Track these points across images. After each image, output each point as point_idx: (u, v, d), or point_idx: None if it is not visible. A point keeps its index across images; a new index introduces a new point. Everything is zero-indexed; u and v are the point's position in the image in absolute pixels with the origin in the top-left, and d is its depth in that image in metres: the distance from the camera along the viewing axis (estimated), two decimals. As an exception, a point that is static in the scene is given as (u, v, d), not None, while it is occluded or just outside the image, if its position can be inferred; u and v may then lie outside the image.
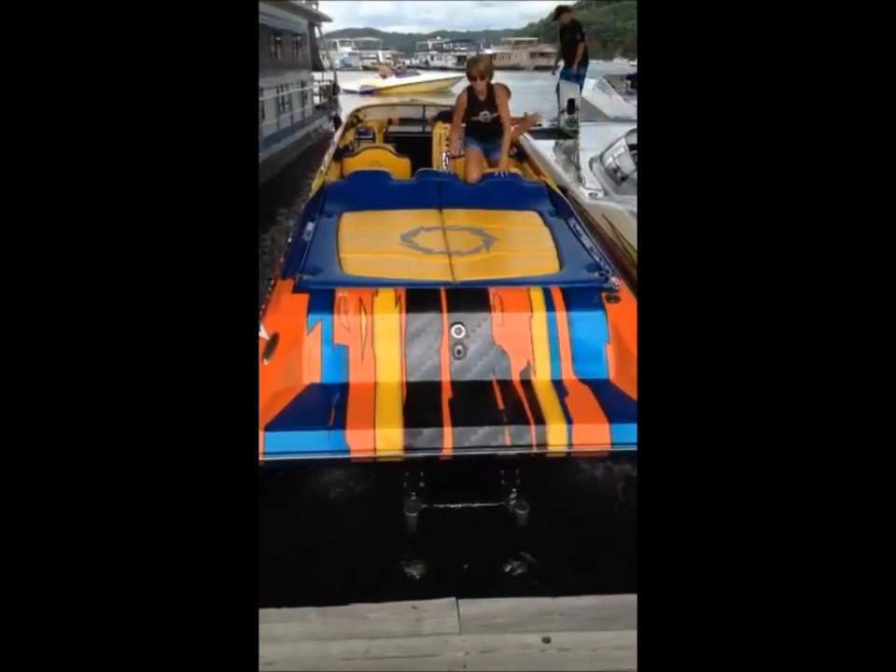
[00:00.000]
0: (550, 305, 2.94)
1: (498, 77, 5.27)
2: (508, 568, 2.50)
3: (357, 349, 2.81)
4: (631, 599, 1.82)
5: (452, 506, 2.57)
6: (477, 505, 2.59)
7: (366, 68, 65.53)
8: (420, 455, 2.42)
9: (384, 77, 33.31)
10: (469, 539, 2.59)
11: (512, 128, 6.48)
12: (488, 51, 57.86)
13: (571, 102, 10.22)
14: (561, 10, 9.54)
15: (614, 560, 2.48)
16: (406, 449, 2.40)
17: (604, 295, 3.03)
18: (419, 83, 31.23)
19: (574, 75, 10.20)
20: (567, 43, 10.08)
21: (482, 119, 4.82)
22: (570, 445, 2.46)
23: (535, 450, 2.44)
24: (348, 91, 29.45)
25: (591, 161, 7.71)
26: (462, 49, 69.16)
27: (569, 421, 2.49)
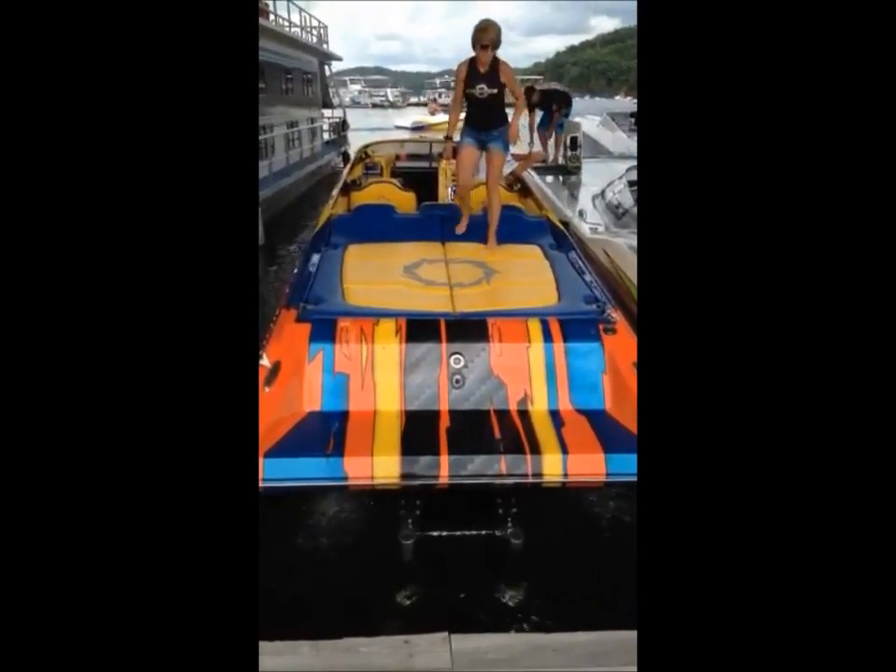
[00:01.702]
0: (547, 336, 2.99)
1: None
2: (502, 598, 2.50)
3: (357, 378, 2.86)
4: (626, 636, 1.83)
5: (447, 534, 2.58)
6: (473, 533, 2.60)
7: (374, 105, 66.73)
8: (417, 482, 2.45)
9: (432, 113, 34.35)
10: (464, 567, 2.60)
11: (517, 164, 6.60)
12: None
13: (574, 139, 10.42)
14: (530, 90, 9.91)
15: (610, 595, 2.48)
16: (403, 477, 2.43)
17: (601, 327, 3.07)
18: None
19: (558, 124, 10.59)
20: (545, 112, 10.52)
21: (477, 93, 4.13)
22: (566, 475, 2.48)
23: (530, 479, 2.46)
24: (399, 127, 31.54)
25: (593, 197, 7.83)
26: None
27: (565, 451, 2.52)
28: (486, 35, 3.99)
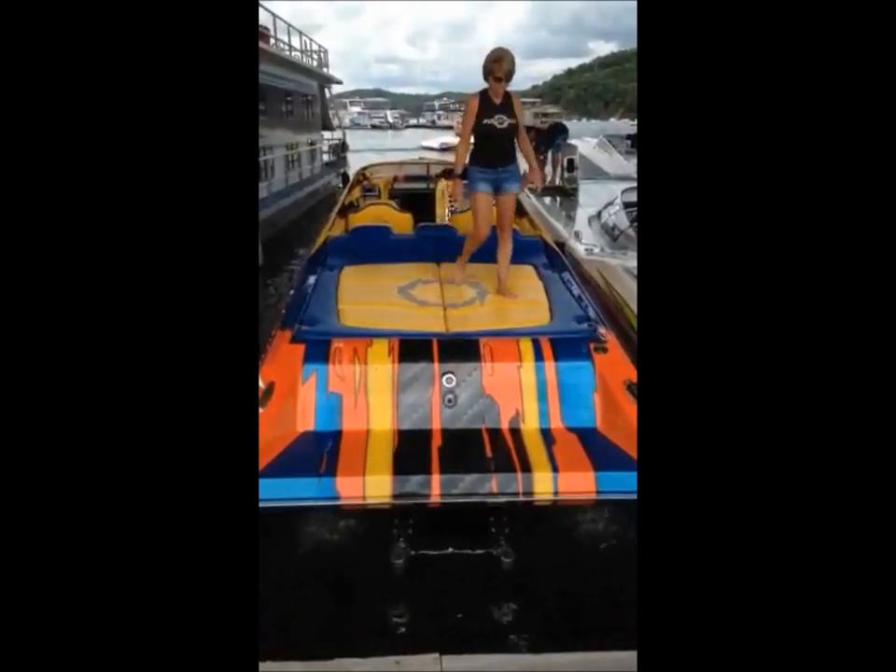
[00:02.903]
0: (539, 355, 3.03)
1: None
2: (494, 617, 2.50)
3: (350, 398, 2.88)
4: (620, 656, 1.83)
5: (439, 552, 2.59)
6: (464, 552, 2.61)
7: (374, 126, 67.28)
8: (408, 501, 2.46)
9: (458, 135, 35.34)
10: (455, 586, 2.60)
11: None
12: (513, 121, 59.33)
13: (571, 161, 10.54)
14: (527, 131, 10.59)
15: (604, 613, 2.48)
16: (394, 496, 2.44)
17: (592, 346, 3.11)
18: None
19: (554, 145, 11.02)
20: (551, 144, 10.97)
21: (496, 122, 3.78)
22: (556, 493, 2.50)
23: (521, 497, 2.48)
24: (426, 148, 32.53)
25: (589, 219, 7.91)
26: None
27: (556, 469, 2.54)
28: (501, 67, 3.72)
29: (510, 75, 3.75)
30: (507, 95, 3.82)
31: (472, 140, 3.95)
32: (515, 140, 3.93)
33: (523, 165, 4.15)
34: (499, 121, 3.79)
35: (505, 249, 4.03)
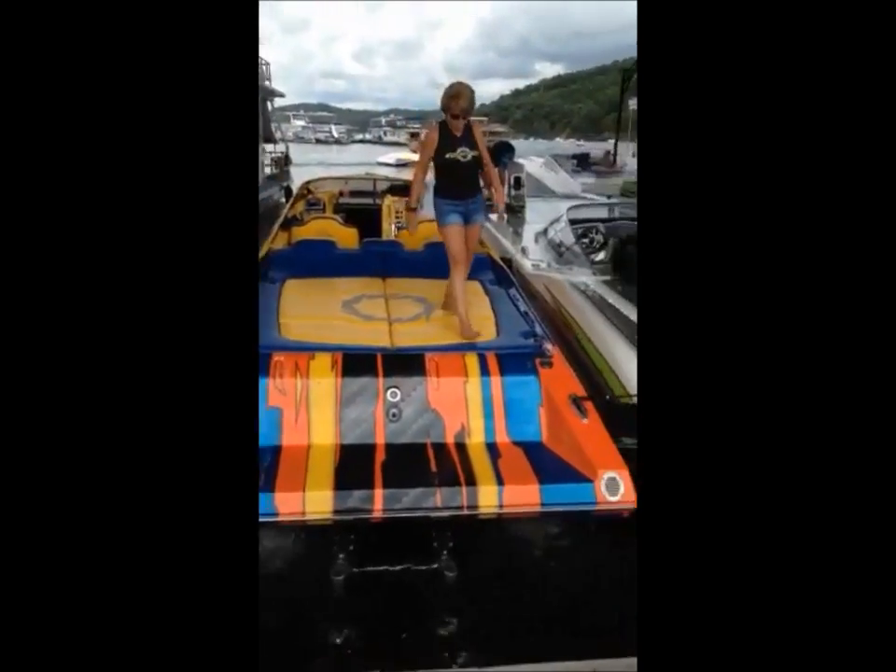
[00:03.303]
0: (485, 370, 3.03)
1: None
2: (437, 633, 2.46)
3: (291, 412, 2.82)
4: (567, 667, 1.81)
5: (381, 569, 2.54)
6: (407, 567, 2.56)
7: (318, 141, 66.99)
8: (349, 517, 2.41)
9: (414, 151, 35.57)
10: (398, 602, 2.55)
11: None
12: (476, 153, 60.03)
13: (518, 179, 10.69)
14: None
15: (547, 626, 2.47)
16: (335, 511, 2.39)
17: (538, 361, 3.12)
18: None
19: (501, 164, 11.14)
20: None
21: (459, 156, 3.61)
22: (501, 506, 2.48)
23: (466, 511, 2.46)
24: (382, 164, 32.00)
25: (536, 235, 8.01)
26: (415, 125, 71.64)
27: (500, 482, 2.53)
28: (458, 104, 3.49)
29: (467, 112, 3.56)
30: (467, 126, 3.64)
31: (435, 172, 3.78)
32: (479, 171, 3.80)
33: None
34: (462, 155, 3.63)
35: (461, 283, 3.81)
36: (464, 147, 3.62)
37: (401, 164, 31.36)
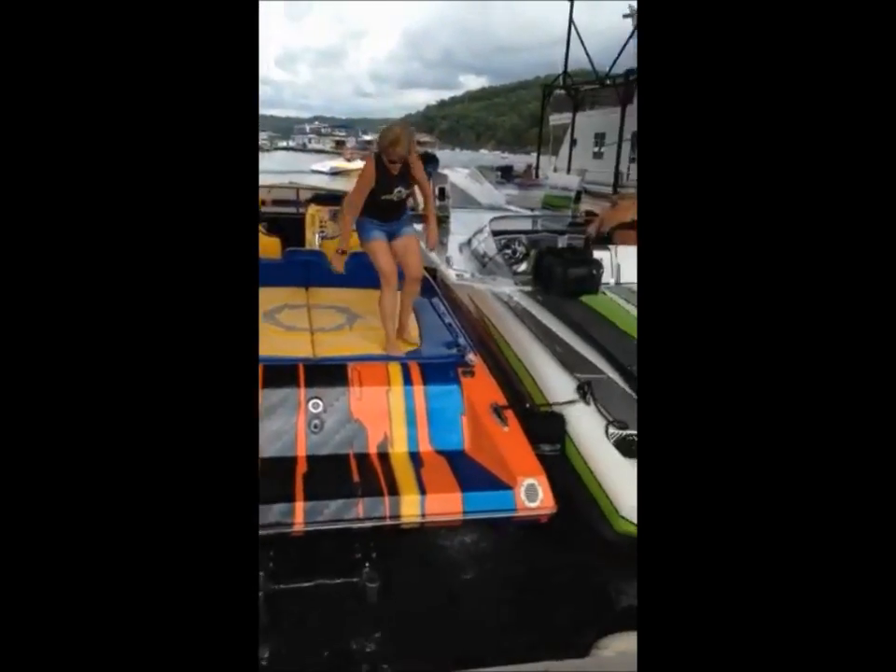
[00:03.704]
0: (408, 379, 3.05)
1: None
2: (360, 647, 2.45)
3: None
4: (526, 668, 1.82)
5: (302, 585, 2.51)
6: (329, 581, 2.54)
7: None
8: (270, 532, 2.38)
9: (348, 160, 35.28)
10: (319, 617, 2.53)
11: None
12: (367, 137, 59.88)
13: (442, 190, 10.79)
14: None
15: (471, 637, 2.50)
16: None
17: (460, 370, 3.17)
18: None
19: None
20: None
21: (394, 196, 3.51)
22: (423, 515, 2.51)
23: (388, 521, 2.47)
24: (316, 172, 31.59)
25: (460, 245, 8.11)
26: (340, 133, 71.13)
27: (423, 491, 2.55)
28: (395, 151, 3.32)
29: (405, 157, 3.39)
30: (405, 163, 3.45)
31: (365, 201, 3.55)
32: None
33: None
34: (398, 195, 3.53)
35: (410, 301, 3.69)
36: (400, 188, 3.50)
37: (336, 172, 31.18)
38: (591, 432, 3.07)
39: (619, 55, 16.35)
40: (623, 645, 1.81)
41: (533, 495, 2.58)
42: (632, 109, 16.19)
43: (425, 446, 2.94)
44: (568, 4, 17.83)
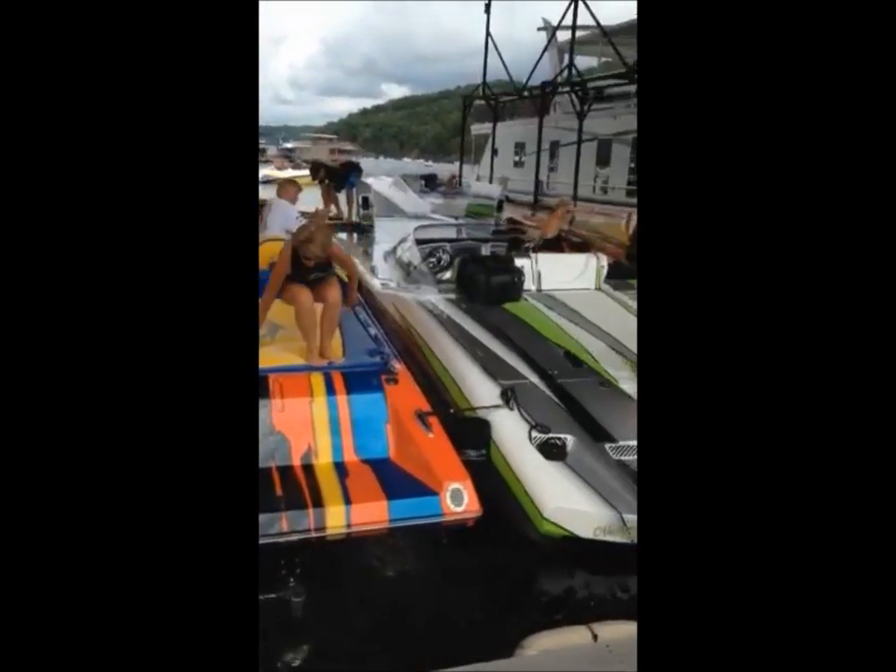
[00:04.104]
0: (331, 389, 3.03)
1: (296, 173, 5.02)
2: (286, 663, 2.41)
3: None
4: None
5: None
6: None
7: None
8: None
9: (280, 168, 34.63)
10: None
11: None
12: (288, 145, 59.07)
13: (365, 199, 10.77)
14: (316, 168, 11.16)
15: (396, 646, 2.50)
16: None
17: (384, 378, 3.18)
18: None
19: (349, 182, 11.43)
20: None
21: (312, 277, 3.58)
22: (349, 526, 2.50)
23: (313, 534, 2.44)
24: None
25: (385, 254, 8.10)
26: (261, 141, 69.93)
27: (348, 501, 2.54)
28: (309, 249, 3.34)
29: (319, 258, 3.45)
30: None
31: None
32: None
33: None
34: (316, 277, 3.58)
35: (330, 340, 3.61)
36: (317, 273, 3.53)
37: (267, 181, 30.94)
38: (514, 436, 3.14)
39: (535, 67, 16.74)
40: (547, 643, 1.85)
41: (458, 499, 2.61)
42: (548, 119, 16.62)
43: (349, 455, 2.92)
44: (485, 14, 18.15)
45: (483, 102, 19.57)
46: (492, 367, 3.71)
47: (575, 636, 1.81)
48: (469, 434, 3.11)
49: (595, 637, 1.77)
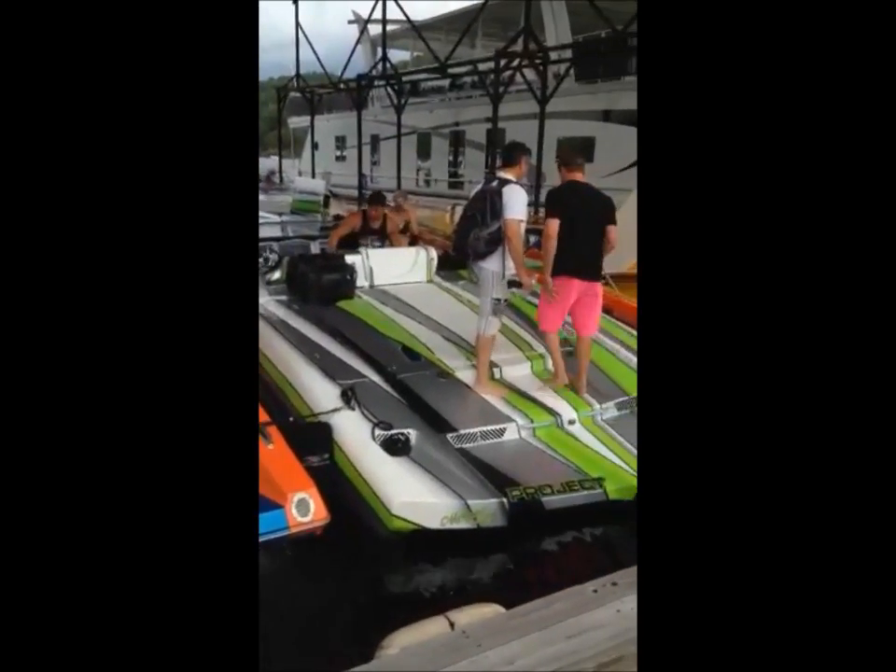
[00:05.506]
0: None
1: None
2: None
3: None
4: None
5: None
6: None
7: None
8: None
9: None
10: None
11: None
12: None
13: None
14: None
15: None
16: None
17: None
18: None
19: None
20: None
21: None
22: None
23: None
24: None
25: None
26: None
27: None
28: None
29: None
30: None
31: None
32: None
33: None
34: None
35: None
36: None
37: None
38: (357, 437, 3.13)
39: (349, 60, 16.69)
40: (406, 639, 1.88)
41: (304, 509, 2.56)
42: (367, 113, 16.66)
43: None
44: (293, 6, 17.77)
45: (298, 94, 19.18)
46: (330, 368, 3.67)
47: (433, 627, 1.85)
48: (311, 440, 3.06)
49: (451, 625, 1.82)
